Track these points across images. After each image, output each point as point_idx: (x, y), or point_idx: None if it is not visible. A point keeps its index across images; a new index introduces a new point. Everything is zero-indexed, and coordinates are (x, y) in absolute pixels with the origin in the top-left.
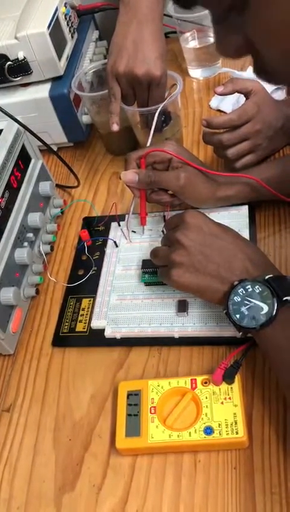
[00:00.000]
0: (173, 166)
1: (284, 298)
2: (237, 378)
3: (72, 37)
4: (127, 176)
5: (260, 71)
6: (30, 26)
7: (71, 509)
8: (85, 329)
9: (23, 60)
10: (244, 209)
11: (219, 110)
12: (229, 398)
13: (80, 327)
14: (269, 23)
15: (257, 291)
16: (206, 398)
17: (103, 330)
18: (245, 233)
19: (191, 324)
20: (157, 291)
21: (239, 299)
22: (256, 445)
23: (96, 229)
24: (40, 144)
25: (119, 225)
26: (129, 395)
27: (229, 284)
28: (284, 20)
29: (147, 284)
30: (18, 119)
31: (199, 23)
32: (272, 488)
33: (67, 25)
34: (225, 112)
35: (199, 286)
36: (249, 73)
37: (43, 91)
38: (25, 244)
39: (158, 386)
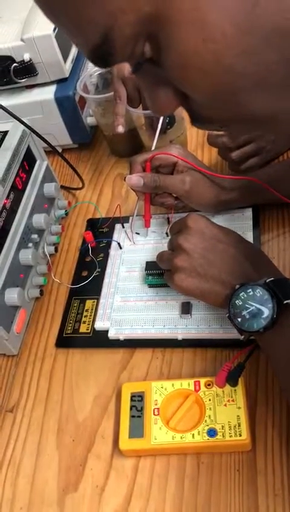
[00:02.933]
0: (178, 170)
1: (285, 302)
2: (241, 380)
3: None
4: (132, 180)
5: (196, 119)
6: (36, 28)
7: (74, 510)
8: (89, 331)
9: (29, 61)
10: (248, 211)
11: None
12: (233, 401)
13: (83, 328)
14: (183, 58)
15: (258, 294)
16: (210, 400)
17: (106, 331)
18: (249, 236)
19: (195, 326)
20: (161, 293)
21: (240, 303)
22: (259, 447)
23: (100, 230)
24: (45, 145)
25: (123, 227)
26: (133, 396)
27: (230, 288)
28: (194, 49)
29: (151, 285)
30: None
31: None
32: (275, 490)
33: None
34: None
35: (201, 290)
36: None
37: (48, 93)
38: (30, 245)
39: (162, 387)
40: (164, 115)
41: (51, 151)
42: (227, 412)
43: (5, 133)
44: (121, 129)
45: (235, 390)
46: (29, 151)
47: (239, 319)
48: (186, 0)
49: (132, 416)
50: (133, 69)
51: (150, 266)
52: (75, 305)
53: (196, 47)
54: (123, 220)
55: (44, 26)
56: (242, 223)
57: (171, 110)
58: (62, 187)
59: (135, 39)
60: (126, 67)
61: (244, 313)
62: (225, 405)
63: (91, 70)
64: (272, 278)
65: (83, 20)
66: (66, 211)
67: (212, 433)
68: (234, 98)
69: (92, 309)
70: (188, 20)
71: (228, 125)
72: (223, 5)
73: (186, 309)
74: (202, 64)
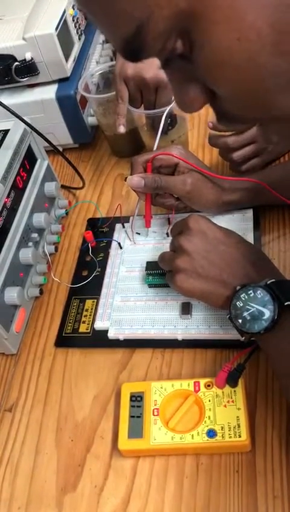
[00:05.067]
0: (180, 171)
1: (286, 303)
2: (241, 381)
3: (79, 38)
4: (132, 180)
5: (223, 117)
6: (38, 27)
7: (72, 510)
8: (88, 330)
9: (31, 60)
10: (249, 212)
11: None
12: (232, 401)
13: (83, 328)
14: (216, 55)
15: (259, 296)
16: (209, 401)
17: (106, 331)
18: (249, 237)
19: (195, 327)
20: (161, 293)
21: (241, 304)
22: (259, 448)
23: (101, 230)
24: (46, 144)
25: (123, 227)
26: (132, 396)
27: (231, 289)
28: (228, 47)
29: (151, 285)
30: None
31: None
32: (274, 492)
33: (75, 26)
34: None
35: (202, 291)
36: None
37: (49, 92)
38: (30, 244)
39: (161, 388)
40: (191, 112)
41: (52, 150)
42: (227, 413)
43: (6, 131)
44: (122, 129)
45: (235, 391)
46: (30, 150)
47: (240, 320)
48: None
49: (131, 417)
50: (162, 64)
51: (150, 266)
52: (75, 304)
53: (230, 45)
54: (123, 220)
55: (46, 26)
56: (243, 224)
57: (199, 106)
58: (62, 186)
59: (168, 34)
60: (129, 67)
61: (245, 314)
62: (225, 406)
63: (92, 70)
64: (273, 280)
65: (117, 13)
66: (66, 210)
67: (211, 433)
68: (266, 96)
69: (91, 309)
70: (224, 18)
71: (255, 124)
72: (259, 4)
73: (186, 309)
74: (235, 63)
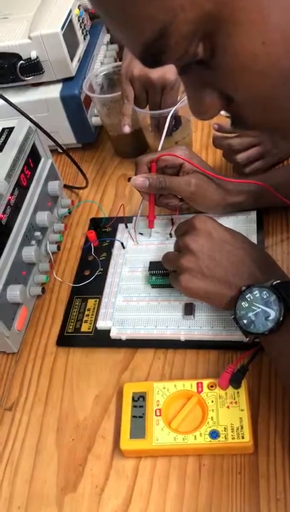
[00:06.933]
0: (184, 172)
1: None
2: (244, 382)
3: (84, 39)
4: (137, 181)
5: (236, 121)
6: (44, 26)
7: (73, 510)
8: (90, 330)
9: (36, 59)
10: (253, 214)
11: (229, 116)
12: (236, 403)
13: (85, 327)
14: (239, 59)
15: (264, 297)
16: (212, 401)
17: (108, 331)
18: (253, 239)
19: (198, 327)
20: (164, 293)
21: (246, 305)
22: (261, 450)
23: (104, 230)
24: (50, 143)
25: (126, 227)
26: (134, 396)
27: (237, 290)
28: (253, 51)
29: (154, 286)
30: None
31: None
32: (277, 494)
33: (80, 26)
34: None
35: (207, 291)
36: None
37: (54, 91)
38: (33, 242)
39: (164, 388)
40: (206, 119)
41: (55, 150)
42: (230, 414)
43: (11, 129)
44: (127, 129)
45: (238, 392)
46: (34, 149)
47: (245, 321)
48: (250, 0)
49: (134, 417)
50: (181, 70)
51: (153, 266)
52: (77, 303)
53: (255, 49)
54: (126, 220)
55: (52, 25)
56: (246, 226)
57: (214, 113)
58: (65, 186)
59: (191, 38)
60: (135, 67)
61: (250, 314)
62: (228, 407)
63: (97, 71)
64: (279, 281)
65: (139, 16)
66: (69, 209)
67: (214, 435)
68: (285, 102)
69: (94, 308)
70: (249, 21)
71: (268, 131)
72: (282, 5)
73: (189, 310)
74: (258, 68)
